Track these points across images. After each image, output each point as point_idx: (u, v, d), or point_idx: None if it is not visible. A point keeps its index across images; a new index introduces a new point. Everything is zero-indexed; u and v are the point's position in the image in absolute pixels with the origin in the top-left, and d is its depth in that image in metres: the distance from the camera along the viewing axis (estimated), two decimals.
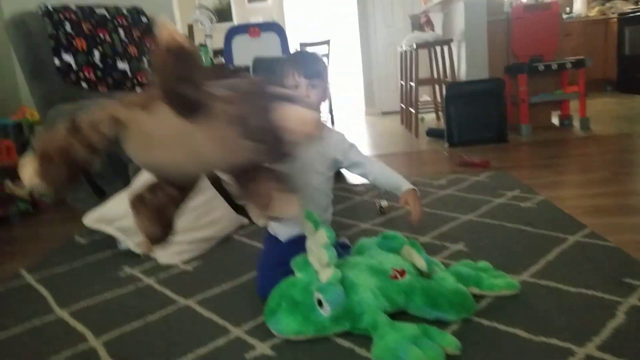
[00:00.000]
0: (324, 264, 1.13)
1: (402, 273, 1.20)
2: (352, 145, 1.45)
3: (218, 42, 3.93)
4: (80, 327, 1.32)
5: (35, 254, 1.98)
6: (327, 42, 5.66)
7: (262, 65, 3.05)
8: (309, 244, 1.19)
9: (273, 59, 3.17)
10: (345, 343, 1.10)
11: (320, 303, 1.10)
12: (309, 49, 5.59)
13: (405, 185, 1.41)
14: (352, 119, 6.10)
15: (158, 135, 0.98)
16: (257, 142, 0.93)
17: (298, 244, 1.27)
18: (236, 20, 6.80)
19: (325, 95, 1.41)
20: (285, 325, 1.12)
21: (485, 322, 1.12)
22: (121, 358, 1.14)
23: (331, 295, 1.08)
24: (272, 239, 1.48)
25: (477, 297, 1.21)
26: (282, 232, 1.45)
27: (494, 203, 2.02)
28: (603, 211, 1.82)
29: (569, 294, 1.21)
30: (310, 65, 1.37)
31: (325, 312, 1.10)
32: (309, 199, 1.36)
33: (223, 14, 6.75)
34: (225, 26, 4.53)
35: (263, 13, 6.87)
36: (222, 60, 3.82)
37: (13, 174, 2.57)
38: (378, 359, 0.99)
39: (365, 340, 1.08)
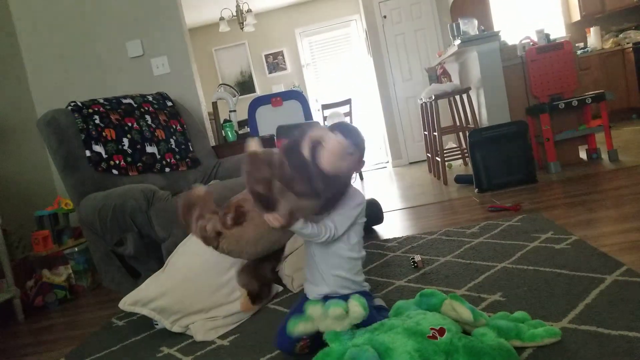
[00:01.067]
0: (340, 314, 1.19)
1: (441, 332, 1.17)
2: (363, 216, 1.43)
3: (243, 114, 4.12)
4: None
5: (74, 340, 2.03)
6: (349, 101, 5.85)
7: (286, 132, 3.16)
8: (324, 324, 1.22)
9: (296, 125, 3.29)
10: None
11: None
12: (333, 110, 5.78)
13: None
14: (379, 172, 6.15)
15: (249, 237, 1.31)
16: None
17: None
18: (258, 90, 7.13)
19: (359, 166, 1.38)
20: None
21: None
22: None
23: None
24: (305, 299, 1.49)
25: (519, 349, 1.18)
26: (311, 291, 1.46)
27: (528, 247, 1.98)
28: (638, 247, 1.77)
29: (611, 338, 1.16)
30: (351, 135, 1.34)
31: None
32: (338, 265, 1.39)
33: (246, 86, 7.10)
34: (249, 98, 4.76)
35: (284, 81, 7.18)
36: (247, 129, 3.97)
37: (51, 262, 2.70)
38: None
39: None
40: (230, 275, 1.88)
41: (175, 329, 1.79)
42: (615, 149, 3.61)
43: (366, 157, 1.39)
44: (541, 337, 1.20)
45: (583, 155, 3.92)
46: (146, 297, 1.79)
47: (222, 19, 5.78)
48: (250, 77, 7.17)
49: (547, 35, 4.02)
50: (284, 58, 7.13)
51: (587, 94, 3.76)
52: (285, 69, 7.17)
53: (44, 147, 3.37)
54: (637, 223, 2.06)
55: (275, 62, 7.15)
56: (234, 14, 5.67)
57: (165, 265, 1.90)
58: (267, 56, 7.13)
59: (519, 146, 3.43)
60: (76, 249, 2.81)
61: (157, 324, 1.92)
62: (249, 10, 5.73)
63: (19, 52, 3.41)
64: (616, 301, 1.35)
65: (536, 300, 1.47)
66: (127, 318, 2.16)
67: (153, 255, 2.05)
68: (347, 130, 1.33)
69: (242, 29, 5.71)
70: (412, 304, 1.37)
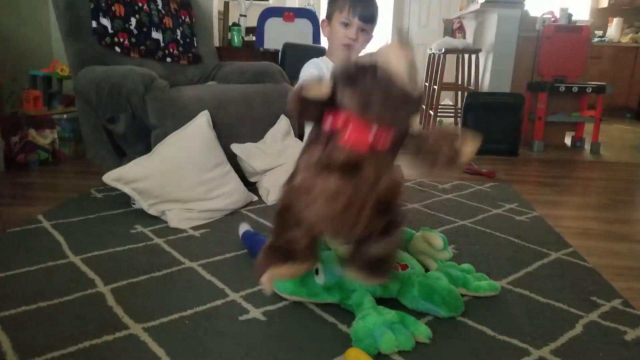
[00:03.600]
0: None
1: (404, 267, 1.32)
2: None
3: (251, 21, 4.03)
4: (90, 273, 1.44)
5: (52, 202, 2.11)
6: None
7: (293, 51, 3.15)
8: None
9: (304, 46, 3.27)
10: (330, 318, 1.22)
11: (317, 271, 1.23)
12: None
13: None
14: None
15: None
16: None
17: None
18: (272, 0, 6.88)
19: (369, 40, 1.37)
20: (283, 285, 1.26)
21: (459, 318, 1.23)
22: (126, 305, 1.26)
23: (328, 267, 1.22)
24: None
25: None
26: None
27: (490, 212, 2.12)
28: (590, 235, 1.92)
29: (538, 303, 1.32)
30: (367, 7, 1.33)
31: (320, 280, 1.23)
32: None
33: None
34: (260, 4, 4.63)
35: None
36: (253, 38, 3.91)
37: (38, 123, 2.73)
38: (355, 335, 1.10)
39: (348, 317, 1.20)
40: (212, 175, 1.98)
41: (152, 211, 1.89)
42: (599, 142, 3.72)
43: None
44: (484, 289, 1.35)
45: (568, 141, 4.03)
46: (129, 176, 1.88)
47: None
48: None
49: (570, 16, 3.98)
50: None
51: (589, 82, 3.81)
52: None
53: (46, 8, 3.29)
54: (595, 214, 2.22)
55: None
56: None
57: (152, 151, 1.97)
58: None
59: (511, 118, 3.51)
60: (65, 116, 2.83)
61: (134, 204, 2.01)
62: None
63: None
64: (554, 275, 1.50)
65: (484, 258, 1.61)
66: (106, 192, 2.25)
67: (142, 139, 2.10)
68: (366, 1, 1.29)
69: None
70: None
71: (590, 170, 3.17)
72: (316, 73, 1.44)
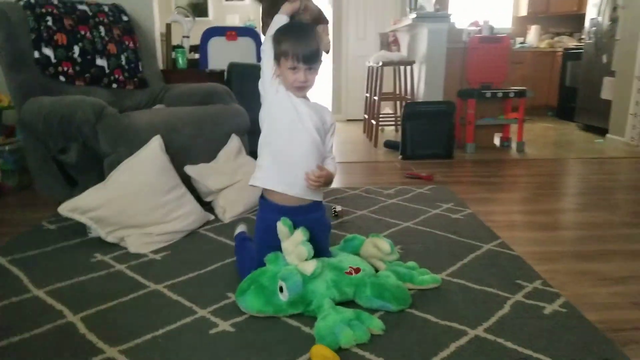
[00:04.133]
0: (303, 258, 1.38)
1: (357, 270, 1.47)
2: (334, 125, 1.58)
3: (194, 39, 4.09)
4: (57, 304, 1.46)
5: (4, 237, 2.09)
6: None
7: (238, 70, 3.27)
8: (286, 245, 1.41)
9: (249, 65, 3.39)
10: (294, 323, 1.35)
11: (281, 289, 1.35)
12: None
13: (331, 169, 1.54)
14: None
15: None
16: None
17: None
18: (212, 16, 6.94)
19: (318, 70, 1.49)
20: (251, 304, 1.37)
21: (407, 310, 1.40)
22: (98, 331, 1.32)
23: (292, 284, 1.34)
24: (267, 208, 1.54)
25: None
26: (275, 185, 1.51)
27: (430, 213, 2.33)
28: (515, 226, 2.16)
29: (473, 290, 1.51)
30: (308, 48, 1.42)
31: (284, 297, 1.35)
32: (313, 146, 1.48)
33: (199, 8, 6.87)
34: (201, 21, 4.69)
35: (240, 12, 7.03)
36: (197, 56, 3.98)
37: None
38: (318, 334, 1.24)
39: (310, 321, 1.33)
40: (169, 198, 2.05)
41: (110, 239, 1.93)
42: (524, 141, 4.08)
43: None
44: (427, 282, 1.53)
45: (497, 141, 4.37)
46: (86, 206, 1.90)
47: None
48: (206, 0, 6.97)
49: (492, 27, 4.33)
50: None
51: (512, 88, 4.15)
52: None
53: None
54: (520, 207, 2.48)
55: None
56: None
57: (107, 178, 2.01)
58: None
59: (445, 124, 3.78)
60: (7, 148, 2.79)
61: (90, 233, 2.03)
62: None
63: None
64: (486, 265, 1.71)
65: (426, 255, 1.80)
66: (59, 223, 2.25)
67: (94, 167, 2.14)
68: (306, 42, 1.44)
69: None
70: (337, 249, 1.68)
71: (517, 168, 3.48)
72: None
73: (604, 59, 4.77)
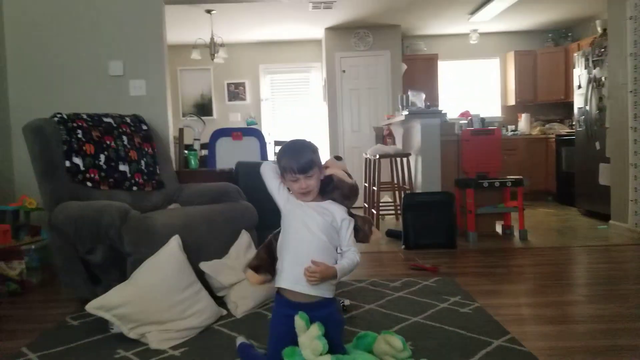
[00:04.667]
0: (318, 352, 1.45)
1: None
2: (350, 220, 1.73)
3: (204, 138, 4.34)
4: None
5: (31, 334, 2.19)
6: None
7: (245, 169, 3.46)
8: (302, 340, 1.49)
9: (255, 164, 3.58)
10: None
11: None
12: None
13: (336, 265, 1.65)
14: None
15: None
16: None
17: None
18: (216, 114, 7.37)
19: (320, 175, 1.71)
20: None
21: None
22: None
23: None
24: (280, 301, 1.68)
25: None
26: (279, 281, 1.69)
27: (438, 307, 2.39)
28: (524, 320, 2.22)
29: None
30: (303, 160, 1.65)
31: None
32: (313, 244, 1.62)
33: (204, 108, 7.34)
34: (207, 120, 4.99)
35: (242, 110, 7.47)
36: (205, 153, 4.20)
37: (6, 255, 2.81)
38: None
39: None
40: (186, 295, 2.14)
41: (132, 335, 2.01)
42: (526, 229, 4.19)
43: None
44: None
45: (499, 229, 4.48)
46: (111, 304, 2.01)
47: (195, 47, 6.04)
48: (210, 101, 7.42)
49: (482, 120, 4.61)
50: (244, 89, 7.44)
51: (508, 177, 4.34)
52: (244, 99, 7.48)
53: (8, 148, 3.47)
54: (527, 300, 2.55)
55: (236, 92, 7.45)
56: (207, 44, 5.94)
57: (130, 278, 2.12)
58: (229, 84, 7.42)
59: (445, 214, 3.92)
60: (33, 247, 2.93)
61: (112, 329, 2.12)
62: (222, 45, 6.02)
63: (4, 55, 3.53)
64: None
65: (437, 352, 1.85)
66: (81, 319, 2.34)
67: (117, 266, 2.26)
68: (298, 156, 1.67)
69: (212, 59, 5.99)
70: (351, 347, 1.75)
71: (521, 257, 3.57)
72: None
73: (597, 145, 4.97)
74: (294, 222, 1.69)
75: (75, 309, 2.47)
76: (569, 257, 3.55)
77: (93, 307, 2.02)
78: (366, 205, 5.28)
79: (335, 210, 1.71)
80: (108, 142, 2.80)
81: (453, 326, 2.12)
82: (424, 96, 4.97)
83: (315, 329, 1.49)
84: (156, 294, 2.08)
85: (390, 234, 4.38)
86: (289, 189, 1.75)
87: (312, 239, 1.64)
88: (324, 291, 1.64)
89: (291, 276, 1.63)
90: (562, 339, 1.99)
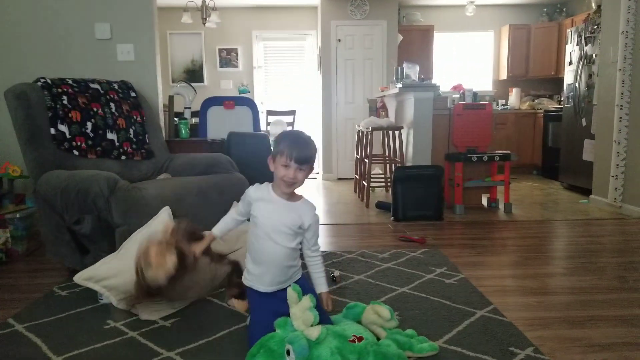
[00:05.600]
0: (309, 323, 1.49)
1: (360, 339, 1.57)
2: (317, 221, 1.76)
3: (194, 106, 4.30)
4: None
5: (18, 303, 2.18)
6: (293, 113, 6.20)
7: (237, 139, 3.45)
8: (294, 311, 1.52)
9: (247, 134, 3.58)
10: None
11: (288, 352, 1.45)
12: (277, 118, 6.08)
13: (324, 288, 1.78)
14: (310, 183, 6.55)
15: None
16: None
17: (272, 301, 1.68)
18: (207, 82, 7.27)
19: (309, 174, 1.71)
20: None
21: None
22: None
23: (298, 347, 1.44)
24: (252, 292, 1.76)
25: None
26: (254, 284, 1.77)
27: (424, 278, 2.44)
28: (506, 291, 2.28)
29: (469, 358, 1.61)
30: (303, 152, 1.64)
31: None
32: (277, 255, 1.69)
33: (195, 75, 7.22)
34: (198, 87, 4.93)
35: (233, 78, 7.37)
36: (196, 121, 4.17)
37: None
38: None
39: None
40: None
41: (121, 306, 2.03)
42: (511, 202, 4.26)
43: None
44: (426, 350, 1.63)
45: (485, 202, 4.55)
46: (100, 275, 2.02)
47: (186, 10, 5.91)
48: (201, 67, 7.29)
49: (475, 94, 4.61)
50: (237, 56, 7.32)
51: (497, 151, 4.38)
52: (236, 66, 7.37)
53: None
54: (510, 271, 2.61)
55: (227, 58, 7.33)
56: (199, 7, 5.81)
57: (119, 249, 2.13)
58: (221, 50, 7.29)
59: (434, 187, 3.96)
60: (18, 215, 2.90)
61: (101, 299, 2.13)
62: (214, 8, 5.90)
63: None
64: (479, 332, 1.81)
65: (423, 322, 1.90)
66: (69, 289, 2.34)
67: (105, 237, 2.26)
68: (302, 147, 1.65)
69: (204, 24, 5.87)
70: (341, 316, 1.79)
71: (505, 230, 3.64)
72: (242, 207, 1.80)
73: (584, 122, 5.04)
74: (262, 233, 1.69)
75: (63, 278, 2.47)
76: (551, 230, 3.63)
77: (82, 278, 2.02)
78: (357, 177, 5.31)
79: (305, 213, 1.72)
80: (95, 109, 2.76)
81: (438, 297, 2.18)
82: (418, 68, 4.95)
83: (307, 301, 1.52)
84: None
85: (380, 205, 4.43)
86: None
87: (281, 249, 1.69)
88: (296, 276, 1.78)
89: (269, 282, 1.72)
90: (542, 309, 2.06)
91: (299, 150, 1.64)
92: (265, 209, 1.69)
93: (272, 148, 1.72)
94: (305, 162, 1.64)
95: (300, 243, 1.76)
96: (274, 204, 1.70)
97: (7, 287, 2.46)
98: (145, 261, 1.72)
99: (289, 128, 6.06)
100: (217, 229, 1.84)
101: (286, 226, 1.68)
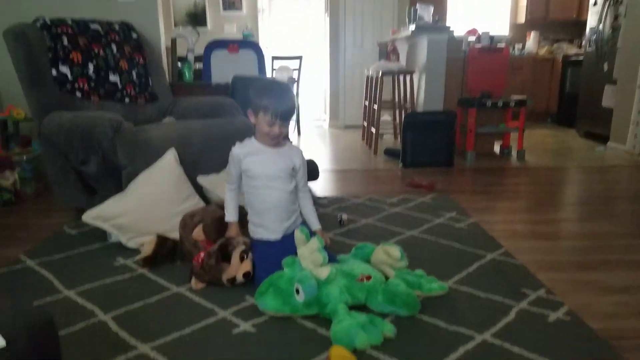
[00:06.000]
0: (319, 264, 1.47)
1: (368, 278, 1.56)
2: (305, 163, 1.84)
3: (198, 50, 4.16)
4: (88, 304, 1.58)
5: (29, 242, 2.20)
6: (300, 58, 6.02)
7: (242, 83, 3.35)
8: (302, 251, 1.51)
9: (252, 78, 3.47)
10: (310, 325, 1.44)
11: (297, 291, 1.44)
12: (283, 64, 5.92)
13: (317, 225, 1.89)
14: (316, 131, 6.47)
15: None
16: None
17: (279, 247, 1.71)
18: (210, 25, 7.04)
19: (290, 126, 1.77)
20: (269, 304, 1.48)
21: (417, 316, 1.48)
22: (129, 329, 1.42)
23: (307, 286, 1.43)
24: (258, 243, 1.80)
25: None
26: (263, 235, 1.81)
27: (434, 222, 2.41)
28: (518, 235, 2.25)
29: (479, 298, 1.59)
30: (288, 108, 1.69)
31: (300, 298, 1.45)
32: (280, 200, 1.76)
33: (198, 18, 6.98)
34: (200, 31, 4.77)
35: (237, 21, 7.13)
36: (199, 67, 4.06)
37: None
38: (335, 336, 1.32)
39: (325, 323, 1.42)
40: (186, 207, 2.14)
41: (130, 244, 2.04)
42: (524, 149, 4.17)
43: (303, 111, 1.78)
44: (435, 290, 1.61)
45: (497, 149, 4.46)
46: (108, 214, 2.02)
47: None
48: (204, 10, 7.04)
49: (491, 37, 4.43)
50: None
51: (512, 97, 4.25)
52: (240, 9, 7.11)
53: None
54: (521, 216, 2.57)
55: (231, 1, 7.08)
56: None
57: (126, 189, 2.11)
58: None
59: (445, 133, 3.87)
60: (25, 157, 2.89)
61: (110, 238, 2.14)
62: None
63: None
64: (490, 273, 1.79)
65: (432, 263, 1.88)
66: (78, 228, 2.35)
67: (112, 178, 2.23)
68: (285, 103, 1.68)
69: None
70: (350, 256, 1.78)
71: (517, 176, 3.57)
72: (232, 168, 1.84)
73: (605, 66, 4.85)
74: (260, 184, 1.76)
75: (73, 218, 2.48)
76: (565, 177, 3.55)
77: (90, 217, 2.02)
78: (365, 124, 5.21)
79: (294, 155, 1.82)
80: (96, 51, 2.67)
81: (448, 240, 2.15)
82: (432, 9, 4.73)
83: (315, 242, 1.50)
84: (154, 206, 2.08)
85: (389, 152, 4.36)
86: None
87: (281, 194, 1.77)
88: (298, 220, 1.87)
89: (280, 230, 1.80)
90: (555, 253, 2.03)
91: (285, 105, 1.68)
92: (257, 161, 1.76)
93: (251, 99, 1.72)
94: (289, 116, 1.69)
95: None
96: (264, 154, 1.76)
97: (18, 226, 2.47)
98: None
99: (296, 74, 5.91)
100: (231, 215, 1.87)
101: (282, 171, 1.76)
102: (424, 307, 1.52)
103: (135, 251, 2.02)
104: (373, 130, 4.64)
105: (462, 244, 2.09)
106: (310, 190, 1.90)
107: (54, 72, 2.48)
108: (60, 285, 1.74)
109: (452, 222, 2.40)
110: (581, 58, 5.61)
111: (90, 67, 2.63)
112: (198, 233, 1.86)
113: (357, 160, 4.27)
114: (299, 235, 1.53)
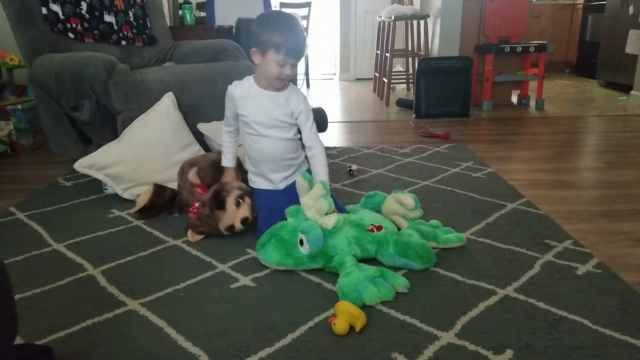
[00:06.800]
0: (324, 212, 1.33)
1: (379, 228, 1.43)
2: (308, 111, 1.58)
3: None
4: (77, 258, 1.48)
5: (21, 193, 2.10)
6: (309, 5, 5.73)
7: (247, 26, 3.15)
8: (305, 200, 1.37)
9: None
10: (315, 279, 1.33)
11: (301, 242, 1.32)
12: (292, 11, 5.65)
13: (323, 176, 1.57)
14: (326, 83, 6.24)
15: None
16: None
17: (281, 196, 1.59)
18: None
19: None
20: (271, 257, 1.35)
21: (432, 268, 1.36)
22: (119, 284, 1.32)
23: (312, 237, 1.30)
24: (258, 191, 1.68)
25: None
26: (262, 185, 1.69)
27: (449, 172, 2.27)
28: (540, 185, 2.09)
29: (500, 249, 1.47)
30: (300, 46, 1.47)
31: (305, 250, 1.32)
32: (275, 150, 1.59)
33: None
34: None
35: None
36: (202, 14, 3.86)
37: None
38: (342, 291, 1.21)
39: (331, 277, 1.31)
40: (185, 155, 2.01)
41: (126, 195, 1.93)
42: (543, 98, 3.95)
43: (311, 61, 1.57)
44: (452, 241, 1.48)
45: (514, 99, 4.25)
46: (101, 163, 1.89)
47: None
48: None
49: None
50: None
51: (531, 42, 4.00)
52: None
53: None
54: (542, 166, 2.41)
55: None
56: None
57: (121, 136, 1.97)
58: None
59: (461, 81, 3.67)
60: (19, 107, 2.75)
61: (106, 189, 2.02)
62: None
63: None
64: (511, 224, 1.65)
65: (448, 214, 1.75)
66: (74, 180, 2.24)
67: (107, 125, 2.10)
68: (300, 45, 1.46)
69: None
70: (360, 206, 1.65)
71: (536, 125, 3.38)
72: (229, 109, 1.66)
73: (631, 9, 4.54)
74: (254, 132, 1.58)
75: (69, 170, 2.37)
76: (587, 126, 3.36)
77: (83, 165, 1.90)
78: (377, 75, 4.99)
79: (293, 99, 1.57)
80: None
81: (465, 190, 2.01)
82: None
83: (320, 188, 1.36)
84: (150, 154, 1.95)
85: (401, 103, 4.17)
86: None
87: (279, 143, 1.59)
88: (302, 168, 1.69)
89: (279, 180, 1.66)
90: (581, 203, 1.88)
91: (299, 45, 1.46)
92: (252, 106, 1.57)
93: (256, 35, 1.46)
94: (301, 56, 1.49)
95: (300, 132, 1.62)
96: (260, 99, 1.56)
97: (11, 178, 2.37)
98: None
99: (305, 23, 5.64)
100: (227, 160, 1.74)
101: (277, 119, 1.56)
102: (440, 259, 1.40)
103: (132, 203, 1.91)
104: (385, 80, 4.43)
105: (480, 194, 1.94)
106: (322, 147, 1.62)
107: (44, 10, 2.30)
108: (49, 238, 1.64)
109: (469, 172, 2.25)
110: (604, 3, 5.26)
111: (84, 5, 2.45)
112: (193, 176, 1.74)
113: (368, 112, 4.09)
114: (301, 182, 1.38)
